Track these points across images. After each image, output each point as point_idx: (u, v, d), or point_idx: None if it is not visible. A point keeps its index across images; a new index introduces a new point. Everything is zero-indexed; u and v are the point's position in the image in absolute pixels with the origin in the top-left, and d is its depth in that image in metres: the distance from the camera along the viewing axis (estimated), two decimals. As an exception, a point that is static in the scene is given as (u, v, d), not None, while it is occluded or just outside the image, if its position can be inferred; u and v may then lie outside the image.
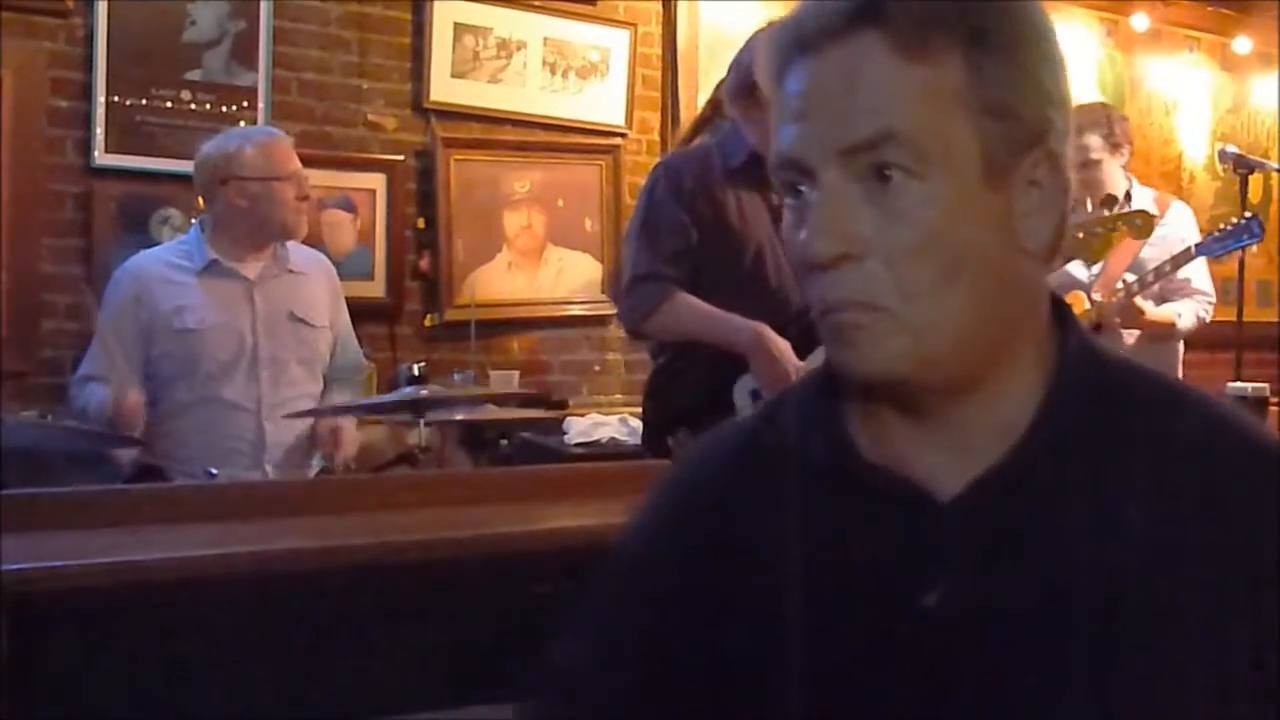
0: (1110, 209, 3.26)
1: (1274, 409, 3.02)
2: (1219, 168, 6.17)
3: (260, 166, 3.04)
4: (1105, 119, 4.01)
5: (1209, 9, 6.39)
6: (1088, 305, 3.96)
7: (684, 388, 2.86)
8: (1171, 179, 6.36)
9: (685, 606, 0.98)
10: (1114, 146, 4.00)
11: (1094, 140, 3.97)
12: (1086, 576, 0.87)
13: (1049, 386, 0.92)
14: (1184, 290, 3.97)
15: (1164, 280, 3.87)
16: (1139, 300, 3.78)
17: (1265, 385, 2.80)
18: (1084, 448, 0.90)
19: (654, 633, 1.00)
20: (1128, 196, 4.09)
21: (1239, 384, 2.81)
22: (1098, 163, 3.99)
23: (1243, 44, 6.45)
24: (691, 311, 2.82)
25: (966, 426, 0.92)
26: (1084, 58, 6.09)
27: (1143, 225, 2.93)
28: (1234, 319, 4.06)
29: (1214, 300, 4.04)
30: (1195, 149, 6.45)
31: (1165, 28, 6.29)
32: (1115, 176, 4.06)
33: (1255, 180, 4.86)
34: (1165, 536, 0.87)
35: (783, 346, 2.73)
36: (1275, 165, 4.72)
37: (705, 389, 2.82)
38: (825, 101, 0.88)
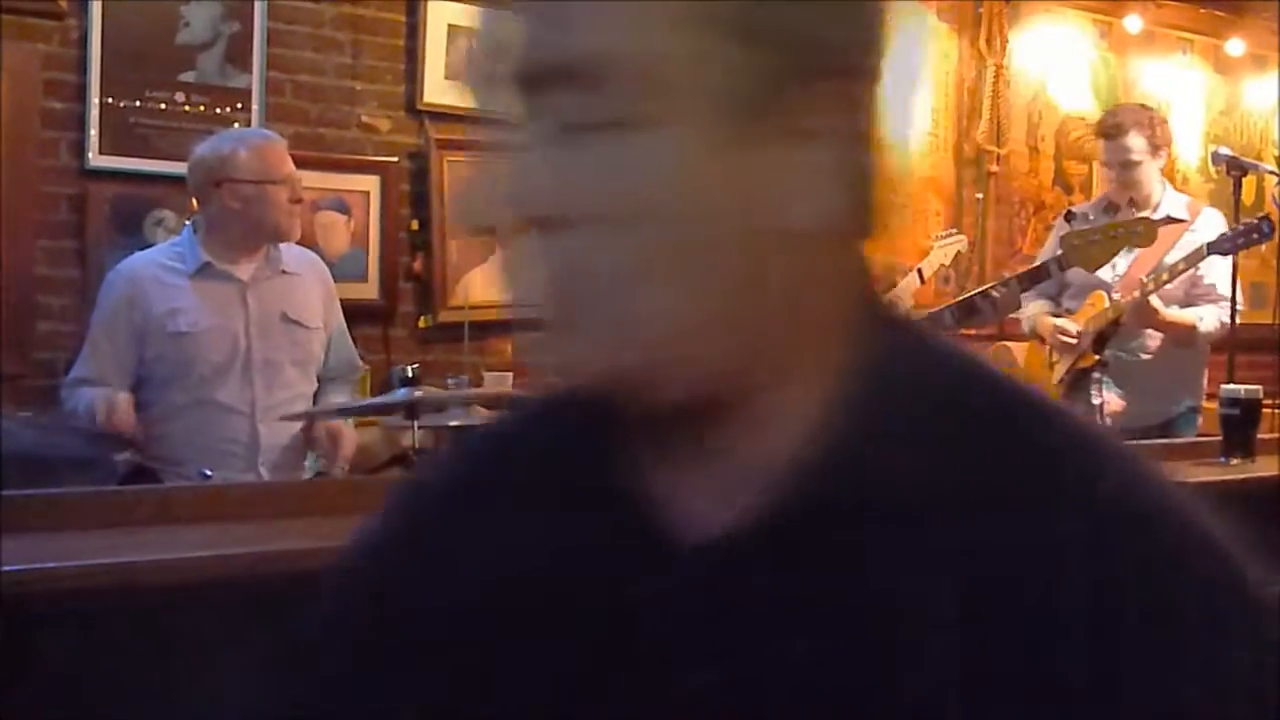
0: (1113, 215, 3.25)
1: (1268, 411, 3.03)
2: (1212, 170, 6.18)
3: (254, 169, 3.04)
4: (1149, 120, 4.01)
5: (1202, 11, 6.40)
6: (1107, 304, 3.95)
7: None
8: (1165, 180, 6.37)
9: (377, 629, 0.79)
10: (1155, 149, 4.00)
11: (1137, 141, 3.97)
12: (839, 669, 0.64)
13: (833, 414, 0.68)
14: (1208, 295, 3.96)
15: (1186, 284, 3.88)
16: (1154, 300, 3.79)
17: (1259, 387, 2.81)
18: (883, 493, 0.65)
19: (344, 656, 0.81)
20: (1129, 205, 4.08)
21: (1233, 386, 2.82)
22: (1139, 164, 3.99)
23: (1236, 46, 6.46)
24: None
25: (728, 457, 0.69)
26: (1077, 60, 6.11)
27: (1144, 233, 2.94)
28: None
29: (1239, 306, 4.04)
30: (1188, 151, 6.46)
31: (1158, 30, 6.31)
32: (1153, 179, 4.07)
33: (1248, 182, 4.86)
34: (983, 624, 0.63)
35: None
36: (1268, 167, 4.72)
37: None
38: (528, 7, 0.66)
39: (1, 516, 1.56)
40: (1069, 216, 4.01)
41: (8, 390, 3.61)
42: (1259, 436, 2.83)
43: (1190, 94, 6.48)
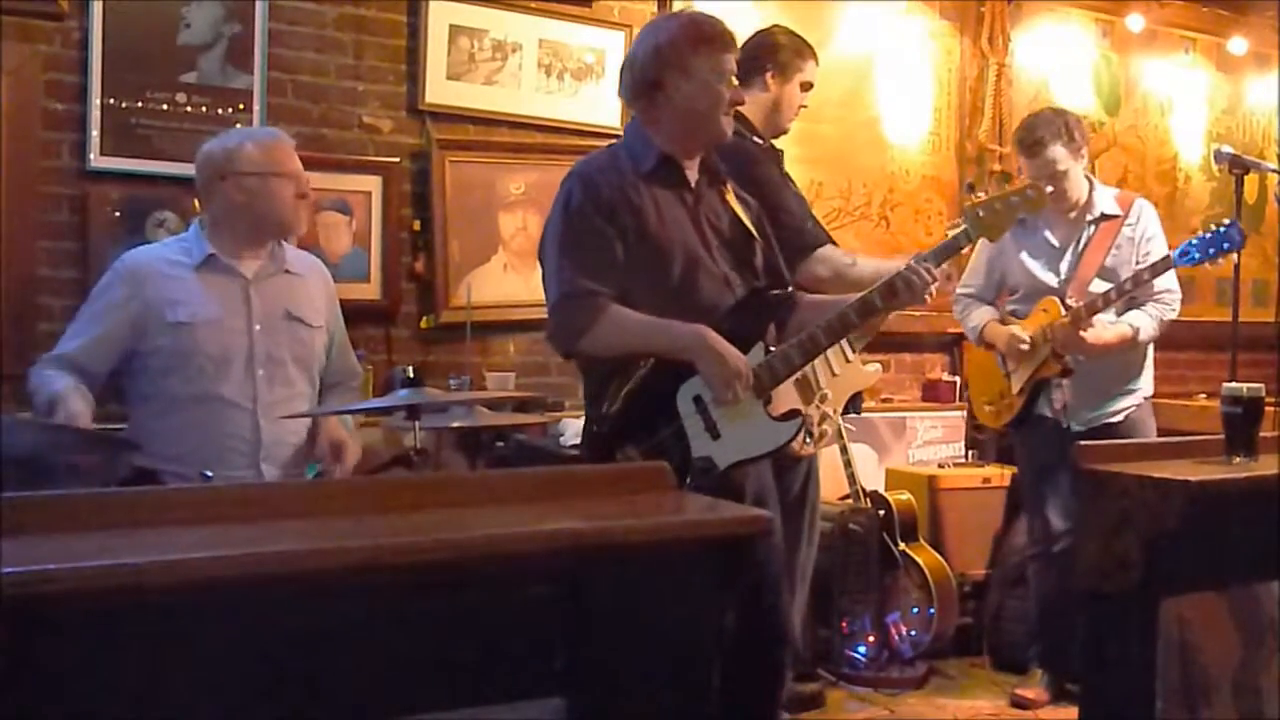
0: (1002, 187, 3.30)
1: (1270, 409, 3.02)
2: (1214, 168, 6.18)
3: (259, 162, 3.04)
4: (1064, 127, 3.97)
5: (1205, 10, 6.40)
6: (1063, 311, 3.92)
7: (627, 397, 2.74)
8: (1167, 180, 6.37)
9: None
10: (1076, 152, 3.98)
11: (1059, 151, 3.93)
12: None
13: None
14: (1154, 296, 3.97)
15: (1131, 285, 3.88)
16: (1087, 334, 3.85)
17: (1260, 385, 2.80)
18: None
19: None
20: (1063, 212, 4.05)
21: (1235, 384, 2.81)
22: (1065, 173, 3.96)
23: (1238, 45, 6.46)
24: (628, 323, 2.72)
25: None
26: (1080, 59, 6.11)
27: (1036, 197, 2.99)
28: (1230, 319, 4.06)
29: (1179, 296, 4.04)
30: (1191, 150, 6.46)
31: (1161, 29, 6.31)
32: (1080, 182, 4.04)
33: (1250, 180, 4.86)
34: None
35: (727, 345, 2.68)
36: (1270, 166, 4.71)
37: (649, 398, 2.72)
38: None
39: (1, 518, 1.56)
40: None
41: (8, 390, 3.61)
42: (1262, 435, 2.82)
43: (1193, 93, 6.48)
